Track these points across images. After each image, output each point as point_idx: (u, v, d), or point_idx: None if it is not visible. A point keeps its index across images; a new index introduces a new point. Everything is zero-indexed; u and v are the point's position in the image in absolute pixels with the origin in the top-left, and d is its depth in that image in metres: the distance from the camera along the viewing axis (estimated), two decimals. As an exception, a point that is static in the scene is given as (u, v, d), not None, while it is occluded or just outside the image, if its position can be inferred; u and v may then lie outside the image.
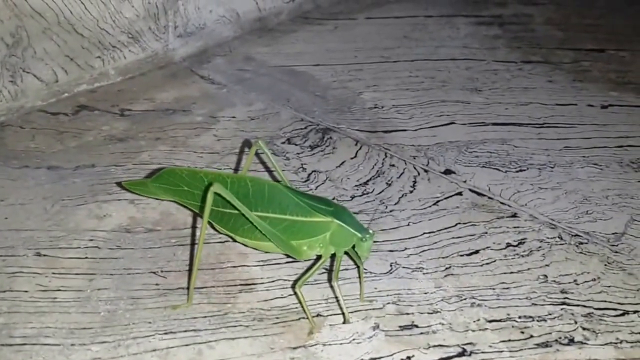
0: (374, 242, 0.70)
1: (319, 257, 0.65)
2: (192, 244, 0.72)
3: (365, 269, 0.70)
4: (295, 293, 0.65)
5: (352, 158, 0.88)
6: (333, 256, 0.65)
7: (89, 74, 0.99)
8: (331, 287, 0.67)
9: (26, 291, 0.63)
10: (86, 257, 0.69)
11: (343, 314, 0.63)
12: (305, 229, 0.64)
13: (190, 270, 0.68)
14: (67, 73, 0.96)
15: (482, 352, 0.61)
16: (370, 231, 0.63)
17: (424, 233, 0.76)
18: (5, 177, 0.80)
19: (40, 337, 0.59)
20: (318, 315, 0.64)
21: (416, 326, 0.63)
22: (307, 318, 0.62)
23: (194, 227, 0.74)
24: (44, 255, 0.68)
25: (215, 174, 0.66)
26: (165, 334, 0.60)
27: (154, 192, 0.71)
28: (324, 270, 0.69)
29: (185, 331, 0.61)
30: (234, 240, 0.69)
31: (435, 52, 1.21)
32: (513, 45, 1.25)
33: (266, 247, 0.67)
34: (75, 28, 0.94)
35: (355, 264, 0.69)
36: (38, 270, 0.66)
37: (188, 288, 0.65)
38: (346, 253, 0.66)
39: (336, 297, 0.65)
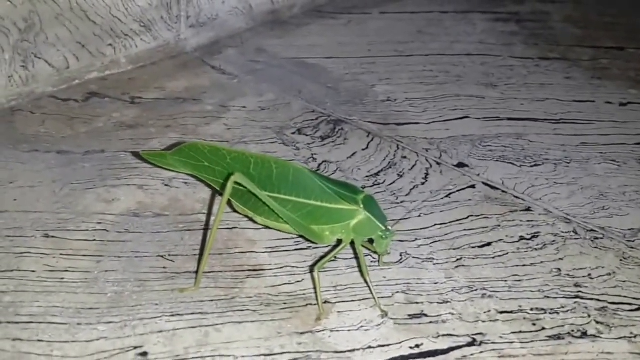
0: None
1: (339, 242, 0.64)
2: (201, 229, 0.71)
3: (373, 258, 0.69)
4: (313, 277, 0.63)
5: (363, 149, 0.87)
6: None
7: (100, 62, 0.98)
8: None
9: (34, 271, 0.63)
10: (94, 240, 0.68)
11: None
12: (330, 215, 0.63)
13: (201, 255, 0.67)
14: (78, 60, 0.95)
15: (493, 343, 0.60)
16: (391, 229, 0.62)
17: (435, 224, 0.75)
18: (15, 160, 0.79)
19: (47, 316, 0.58)
20: (326, 302, 0.63)
21: (425, 315, 0.62)
22: (317, 303, 0.61)
23: (202, 213, 0.73)
24: (52, 237, 0.68)
25: (239, 153, 0.64)
26: (172, 316, 0.59)
27: (172, 164, 0.69)
28: (333, 258, 0.68)
29: (192, 314, 0.60)
30: (253, 221, 0.68)
31: (450, 47, 1.19)
32: (530, 42, 1.23)
33: (287, 229, 0.66)
34: (87, 15, 0.94)
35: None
36: (46, 251, 0.65)
37: (197, 272, 0.64)
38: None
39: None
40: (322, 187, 0.62)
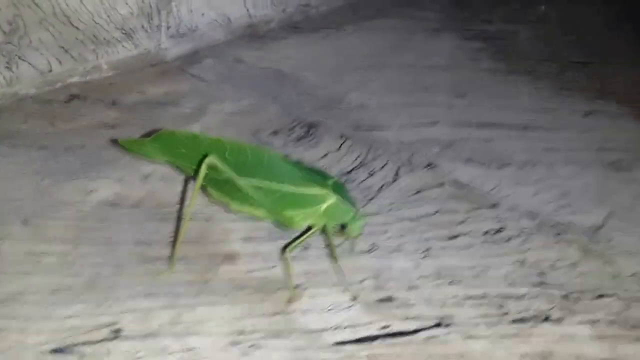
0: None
1: (310, 226, 0.66)
2: (177, 219, 0.73)
3: (343, 249, 0.71)
4: (285, 257, 0.66)
5: (336, 150, 0.90)
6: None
7: (82, 66, 1.01)
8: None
9: (12, 254, 0.65)
10: (72, 227, 0.70)
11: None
12: (301, 200, 0.65)
13: (174, 239, 0.69)
14: (61, 64, 0.98)
15: (459, 325, 0.62)
16: (361, 212, 0.65)
17: (405, 219, 0.77)
18: (-3, 154, 0.82)
19: (24, 295, 0.60)
20: (298, 286, 0.65)
21: (394, 299, 0.64)
22: (289, 285, 0.63)
23: (178, 205, 0.75)
24: (31, 223, 0.70)
25: (215, 139, 0.65)
26: (147, 296, 0.62)
27: (149, 152, 0.70)
28: (304, 247, 0.70)
29: (167, 295, 0.62)
30: (228, 207, 0.70)
31: (421, 59, 1.23)
32: (498, 57, 1.27)
33: (261, 214, 0.67)
34: (70, 20, 0.97)
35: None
36: (24, 236, 0.68)
37: (171, 257, 0.66)
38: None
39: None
40: (294, 172, 0.64)
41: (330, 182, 0.65)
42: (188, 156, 0.67)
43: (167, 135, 0.68)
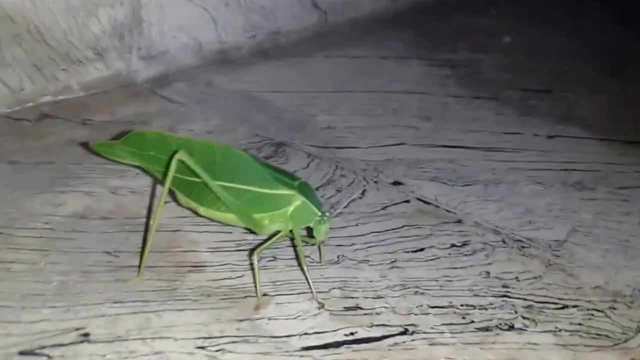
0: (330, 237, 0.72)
1: (278, 232, 0.67)
2: (145, 231, 0.73)
3: (311, 259, 0.72)
4: (252, 263, 0.66)
5: (304, 168, 0.91)
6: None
7: (54, 86, 1.02)
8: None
9: (-20, 262, 0.65)
10: (41, 237, 0.70)
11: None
12: (268, 202, 0.65)
13: (142, 249, 0.69)
14: (32, 82, 0.99)
15: (424, 332, 0.63)
16: (328, 214, 0.65)
17: (371, 232, 0.78)
18: (-35, 168, 0.82)
19: (-8, 300, 0.60)
20: (265, 295, 0.65)
21: (360, 308, 0.65)
22: (256, 291, 0.64)
23: (147, 217, 0.76)
24: (0, 233, 0.70)
25: (184, 140, 0.66)
26: (115, 302, 0.62)
27: (121, 155, 0.70)
28: (272, 258, 0.71)
29: (135, 301, 0.62)
30: (196, 213, 0.71)
31: (388, 85, 1.25)
32: (463, 84, 1.30)
33: (229, 220, 0.68)
34: (44, 37, 0.98)
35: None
36: (-7, 245, 0.68)
37: (139, 265, 0.66)
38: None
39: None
40: (261, 173, 0.65)
41: (296, 183, 0.65)
42: (158, 159, 0.68)
43: (137, 136, 0.69)
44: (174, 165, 0.62)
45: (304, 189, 0.65)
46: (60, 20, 0.98)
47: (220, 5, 1.24)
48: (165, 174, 0.66)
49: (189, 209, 0.71)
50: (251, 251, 0.70)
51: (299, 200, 0.64)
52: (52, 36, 0.98)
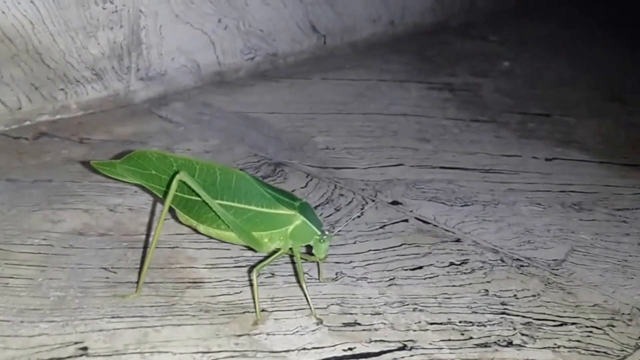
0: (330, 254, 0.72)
1: (277, 249, 0.67)
2: (143, 247, 0.73)
3: (309, 275, 0.72)
4: (251, 279, 0.66)
5: (302, 187, 0.91)
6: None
7: (52, 105, 1.02)
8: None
9: (-22, 277, 0.65)
10: (39, 253, 0.70)
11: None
12: (268, 221, 0.65)
13: (141, 265, 0.69)
14: (30, 101, 0.99)
15: (423, 348, 0.63)
16: (328, 233, 0.65)
17: (370, 250, 0.78)
18: (-36, 186, 0.82)
19: (-10, 315, 0.60)
20: (263, 310, 0.65)
21: (359, 324, 0.65)
22: (255, 307, 0.63)
23: (145, 234, 0.76)
24: (-1, 249, 0.70)
25: (185, 160, 0.67)
26: (113, 317, 0.62)
27: (121, 173, 0.70)
28: (270, 274, 0.71)
29: (133, 316, 0.62)
30: (196, 231, 0.71)
31: (387, 108, 1.26)
32: (462, 107, 1.30)
33: (228, 238, 0.68)
34: (42, 58, 0.98)
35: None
36: (-9, 261, 0.68)
37: (138, 281, 0.66)
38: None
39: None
40: (262, 193, 0.65)
41: (297, 203, 0.65)
42: (158, 178, 0.68)
43: (138, 156, 0.69)
44: (174, 185, 0.62)
45: (304, 209, 0.65)
46: (59, 41, 0.99)
47: (219, 28, 1.25)
48: (165, 193, 0.67)
49: (189, 226, 0.71)
50: (250, 268, 0.70)
51: (299, 219, 0.65)
52: (50, 57, 0.99)
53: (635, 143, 1.21)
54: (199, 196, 0.64)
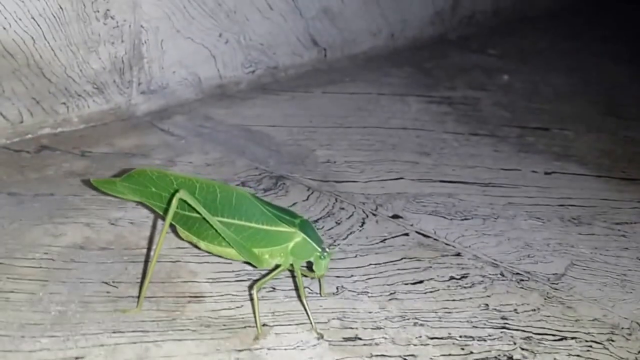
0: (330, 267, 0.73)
1: (278, 265, 0.67)
2: (144, 261, 0.73)
3: (310, 290, 0.72)
4: (251, 295, 0.66)
5: (303, 200, 0.92)
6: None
7: (53, 119, 1.02)
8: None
9: (-21, 291, 0.65)
10: (40, 267, 0.70)
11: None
12: (269, 238, 0.66)
13: (142, 279, 0.69)
14: (32, 115, 0.99)
15: (423, 363, 0.63)
16: (328, 250, 0.66)
17: (370, 264, 0.78)
18: (-36, 200, 0.82)
19: (-9, 329, 0.60)
20: (264, 325, 0.65)
21: (359, 339, 0.65)
22: (256, 322, 0.64)
23: (146, 248, 0.76)
24: (0, 263, 0.70)
25: (185, 178, 0.67)
26: (114, 332, 0.62)
27: (121, 191, 0.71)
28: (271, 289, 0.71)
29: (134, 331, 0.62)
30: (197, 247, 0.71)
31: (387, 121, 1.26)
32: (461, 121, 1.31)
33: (229, 254, 0.68)
34: (43, 72, 0.98)
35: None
36: (-8, 275, 0.68)
37: (139, 296, 0.66)
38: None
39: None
40: (262, 210, 0.66)
41: (297, 220, 0.66)
42: (159, 195, 0.69)
43: (138, 174, 0.69)
44: (174, 203, 0.62)
45: (305, 226, 0.66)
46: (60, 56, 0.99)
47: (220, 43, 1.25)
48: (166, 210, 0.67)
49: (190, 242, 0.71)
50: (252, 284, 0.70)
51: (299, 236, 0.65)
52: (51, 71, 0.99)
53: (633, 157, 1.22)
54: (200, 214, 0.65)
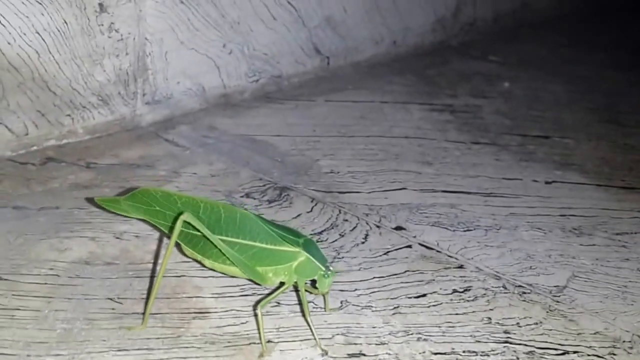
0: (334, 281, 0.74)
1: (282, 283, 0.68)
2: (150, 276, 0.74)
3: (315, 304, 0.73)
4: (256, 314, 0.67)
5: (307, 212, 0.92)
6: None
7: (58, 131, 1.03)
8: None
9: (-15, 309, 0.65)
10: (45, 283, 0.71)
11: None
12: (273, 257, 0.67)
13: (147, 296, 0.70)
14: (37, 127, 1.00)
15: (427, 379, 0.64)
16: (332, 268, 0.67)
17: (374, 277, 0.79)
18: (-30, 214, 0.83)
19: (-2, 347, 0.61)
20: (269, 341, 0.66)
21: (364, 354, 0.66)
22: (261, 340, 0.64)
23: (151, 262, 0.77)
24: (5, 280, 0.71)
25: (189, 198, 0.68)
26: (119, 350, 0.62)
27: (125, 209, 0.71)
28: (276, 304, 0.72)
29: (139, 349, 0.63)
30: (202, 265, 0.71)
31: (389, 130, 1.27)
32: (463, 129, 1.32)
33: (233, 272, 0.69)
34: (48, 85, 0.99)
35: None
36: (-2, 291, 0.68)
37: (144, 313, 0.67)
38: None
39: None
40: (266, 230, 0.66)
41: (301, 240, 0.67)
42: (163, 214, 0.69)
43: (142, 193, 0.70)
44: (178, 226, 0.63)
45: (308, 245, 0.67)
46: (64, 69, 1.00)
47: (224, 53, 1.26)
48: (170, 229, 0.68)
49: (194, 260, 0.72)
50: (256, 303, 0.71)
51: (303, 256, 0.66)
52: (56, 84, 1.00)
53: (633, 165, 1.22)
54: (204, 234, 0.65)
